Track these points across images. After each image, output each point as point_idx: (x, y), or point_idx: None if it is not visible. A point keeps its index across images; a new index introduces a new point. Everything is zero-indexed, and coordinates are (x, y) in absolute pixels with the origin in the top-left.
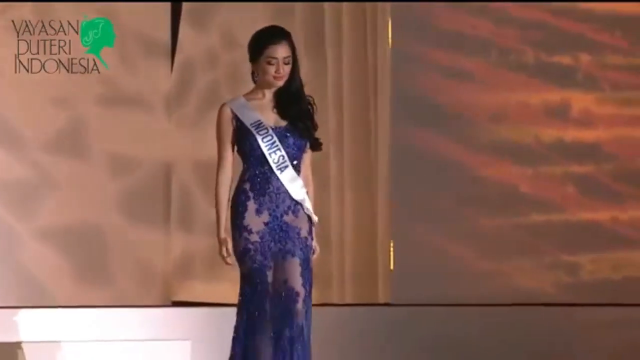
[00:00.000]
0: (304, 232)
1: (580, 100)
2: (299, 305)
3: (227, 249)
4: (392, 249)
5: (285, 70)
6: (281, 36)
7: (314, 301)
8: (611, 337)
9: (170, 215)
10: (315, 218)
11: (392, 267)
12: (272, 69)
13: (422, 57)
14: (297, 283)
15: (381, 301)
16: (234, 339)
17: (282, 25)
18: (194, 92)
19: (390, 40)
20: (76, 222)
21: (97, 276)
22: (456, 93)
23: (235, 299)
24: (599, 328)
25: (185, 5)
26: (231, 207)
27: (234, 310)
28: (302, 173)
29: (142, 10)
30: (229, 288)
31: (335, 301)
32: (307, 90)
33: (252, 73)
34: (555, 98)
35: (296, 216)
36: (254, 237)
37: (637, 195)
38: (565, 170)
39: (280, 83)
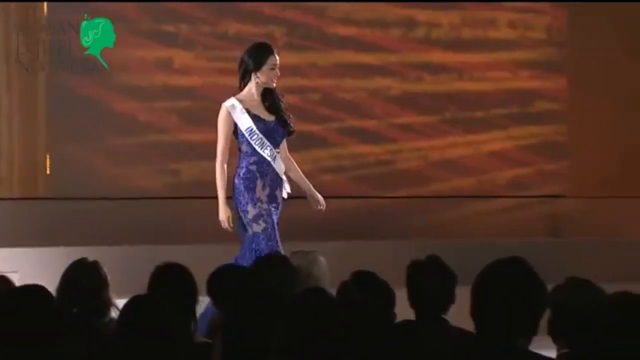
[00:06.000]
0: (281, 204)
1: (181, 57)
2: None
3: (229, 222)
4: (48, 159)
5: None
6: (273, 49)
7: None
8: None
9: None
10: (289, 191)
11: (48, 172)
12: (274, 73)
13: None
14: (278, 242)
15: (41, 196)
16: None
17: None
18: None
19: (46, 11)
20: None
21: None
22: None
23: None
24: (197, 214)
25: None
26: (242, 184)
27: None
28: (284, 153)
29: None
30: None
31: (5, 197)
32: None
33: (241, 79)
34: (164, 55)
35: (280, 190)
36: (264, 206)
37: None
38: (170, 105)
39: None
